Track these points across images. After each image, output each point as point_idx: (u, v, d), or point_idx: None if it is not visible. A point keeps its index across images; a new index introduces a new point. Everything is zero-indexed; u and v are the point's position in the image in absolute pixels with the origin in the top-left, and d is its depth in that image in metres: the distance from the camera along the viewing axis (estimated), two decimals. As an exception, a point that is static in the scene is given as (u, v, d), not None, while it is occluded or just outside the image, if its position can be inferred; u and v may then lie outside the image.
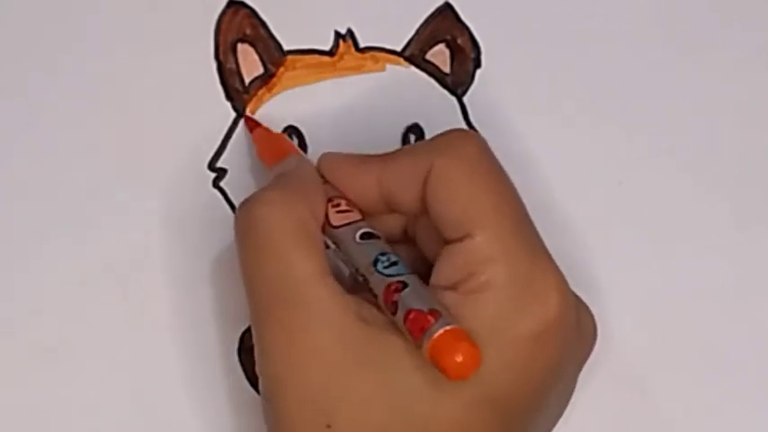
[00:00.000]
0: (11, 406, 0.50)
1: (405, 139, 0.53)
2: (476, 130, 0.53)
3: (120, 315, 0.51)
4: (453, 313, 0.43)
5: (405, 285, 0.44)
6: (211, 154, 0.52)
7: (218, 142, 0.52)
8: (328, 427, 0.44)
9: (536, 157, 0.53)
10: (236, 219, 0.46)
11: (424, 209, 0.46)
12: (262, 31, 0.53)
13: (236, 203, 0.52)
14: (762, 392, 0.53)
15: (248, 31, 0.53)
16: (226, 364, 0.51)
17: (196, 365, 0.51)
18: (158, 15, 0.52)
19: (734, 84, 0.54)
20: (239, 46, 0.53)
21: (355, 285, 0.46)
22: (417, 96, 0.53)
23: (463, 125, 0.53)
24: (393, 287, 0.44)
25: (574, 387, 0.49)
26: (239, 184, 0.52)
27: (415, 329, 0.43)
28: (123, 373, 0.51)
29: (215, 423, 0.51)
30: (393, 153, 0.47)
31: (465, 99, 0.53)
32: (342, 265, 0.47)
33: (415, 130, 0.53)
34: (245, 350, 0.52)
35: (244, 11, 0.53)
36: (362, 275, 0.45)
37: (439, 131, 0.50)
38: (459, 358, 0.41)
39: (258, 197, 0.46)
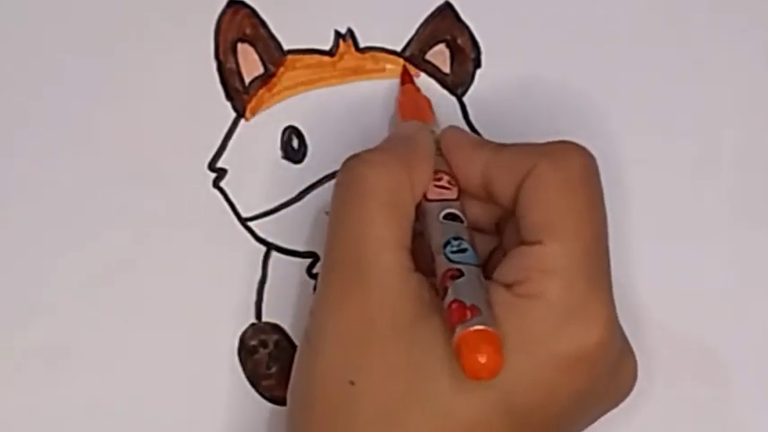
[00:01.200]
0: (11, 406, 0.50)
1: (405, 139, 0.53)
2: (476, 131, 0.53)
3: (119, 315, 0.51)
4: (498, 312, 0.44)
5: (461, 274, 0.44)
6: (211, 154, 0.52)
7: (219, 142, 0.52)
8: (351, 383, 0.45)
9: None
10: (340, 171, 0.47)
11: (514, 207, 0.46)
12: (262, 30, 0.53)
13: (236, 203, 0.52)
14: (762, 392, 0.53)
15: (248, 31, 0.53)
16: (226, 364, 0.51)
17: (196, 365, 0.51)
18: (158, 15, 0.52)
19: (734, 84, 0.54)
20: (239, 46, 0.53)
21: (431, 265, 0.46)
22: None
23: (463, 125, 0.53)
24: (449, 273, 0.44)
25: (591, 424, 0.48)
26: (239, 184, 0.52)
27: (452, 319, 0.43)
28: (123, 373, 0.51)
29: (215, 423, 0.51)
30: (505, 145, 0.48)
31: (465, 99, 0.53)
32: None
33: (415, 129, 0.53)
34: (246, 350, 0.52)
35: (244, 11, 0.53)
36: (432, 254, 0.46)
37: (439, 131, 0.50)
38: (483, 359, 0.42)
39: (364, 156, 0.47)
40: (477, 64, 0.54)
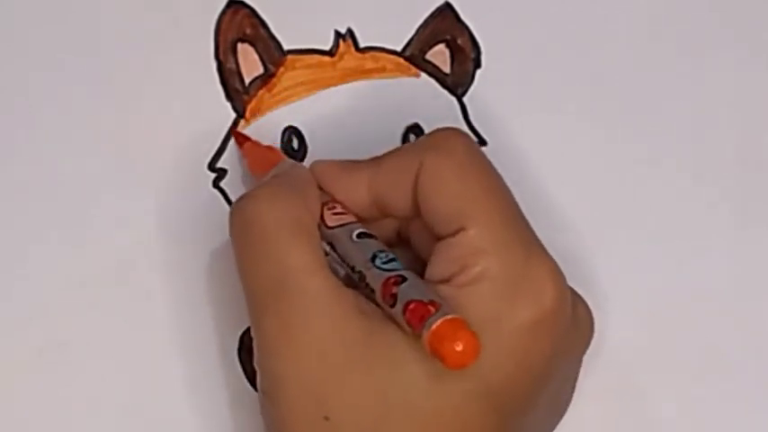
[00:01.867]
0: (11, 405, 0.50)
1: (405, 139, 0.53)
2: (476, 131, 0.53)
3: (119, 315, 0.51)
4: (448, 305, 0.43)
5: (404, 279, 0.44)
6: (211, 154, 0.52)
7: (219, 142, 0.52)
8: (326, 419, 0.44)
9: (536, 157, 0.53)
10: (231, 215, 0.46)
11: (415, 210, 0.46)
12: (262, 30, 0.53)
13: (236, 203, 0.52)
14: (762, 392, 0.53)
15: (248, 31, 0.53)
16: (226, 364, 0.51)
17: (196, 365, 0.51)
18: (158, 15, 0.52)
19: (734, 84, 0.55)
20: (239, 46, 0.53)
21: (350, 286, 0.46)
22: (417, 96, 0.53)
23: (463, 125, 0.53)
24: (392, 280, 0.44)
25: (574, 380, 0.49)
26: (239, 184, 0.52)
27: (414, 319, 0.43)
28: (123, 373, 0.51)
29: (215, 423, 0.51)
30: (381, 156, 0.47)
31: (465, 99, 0.53)
32: (337, 267, 0.47)
33: (415, 130, 0.53)
34: (246, 350, 0.51)
35: (244, 11, 0.53)
36: (359, 272, 0.45)
37: (438, 127, 0.50)
38: (459, 347, 0.41)
39: (253, 193, 0.46)
40: (477, 64, 0.54)
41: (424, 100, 0.53)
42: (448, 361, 0.42)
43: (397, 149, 0.47)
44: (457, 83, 0.54)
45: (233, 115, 0.52)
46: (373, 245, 0.46)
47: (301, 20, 0.53)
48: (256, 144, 0.51)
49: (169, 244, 0.52)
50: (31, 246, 0.51)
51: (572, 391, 0.49)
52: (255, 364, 0.46)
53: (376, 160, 0.47)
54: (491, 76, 0.54)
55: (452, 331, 0.42)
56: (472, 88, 0.54)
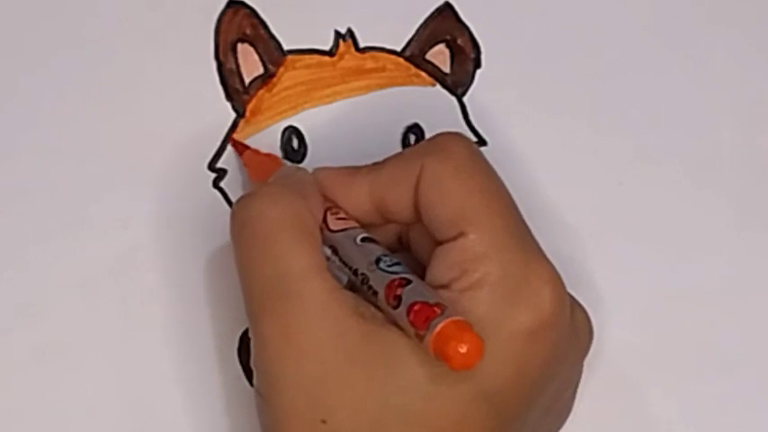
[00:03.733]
0: (11, 406, 0.50)
1: (405, 139, 0.53)
2: (476, 131, 0.53)
3: (119, 315, 0.51)
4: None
5: (409, 282, 0.44)
6: (211, 154, 0.52)
7: (219, 142, 0.52)
8: (323, 422, 0.44)
9: (536, 157, 0.53)
10: (233, 214, 0.46)
11: (416, 215, 0.46)
12: (262, 31, 0.53)
13: (236, 203, 0.52)
14: (761, 392, 0.53)
15: (248, 31, 0.53)
16: (225, 363, 0.51)
17: (195, 365, 0.51)
18: (158, 15, 0.52)
19: (734, 84, 0.55)
20: (239, 46, 0.53)
21: (352, 290, 0.46)
22: (417, 96, 0.53)
23: (463, 125, 0.53)
24: (397, 282, 0.44)
25: (575, 385, 0.49)
26: (239, 184, 0.52)
27: (419, 320, 0.43)
28: (122, 373, 0.51)
29: (214, 423, 0.51)
30: (381, 162, 0.47)
31: (465, 99, 0.53)
32: (338, 273, 0.47)
33: (415, 130, 0.53)
34: (245, 350, 0.51)
35: (244, 11, 0.53)
36: (362, 274, 0.45)
37: (439, 132, 0.50)
38: (464, 348, 0.42)
39: (255, 192, 0.46)
40: (477, 64, 0.54)
41: (423, 100, 0.53)
42: (452, 362, 0.42)
43: (397, 154, 0.47)
44: (457, 83, 0.54)
45: (233, 115, 0.52)
46: (377, 249, 0.46)
47: (301, 20, 0.53)
48: (255, 152, 0.51)
49: (169, 244, 0.52)
50: (30, 246, 0.51)
51: (573, 397, 0.49)
52: (252, 365, 0.46)
53: (376, 166, 0.47)
54: (491, 76, 0.54)
55: (458, 332, 0.42)
56: (472, 88, 0.54)
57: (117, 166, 0.52)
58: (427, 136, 0.53)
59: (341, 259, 0.46)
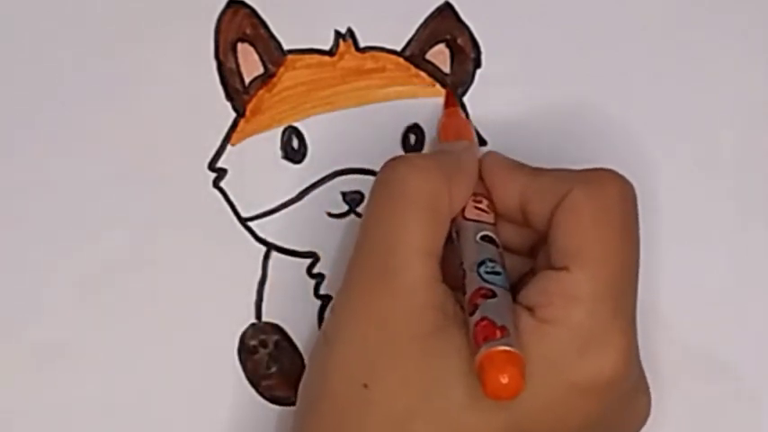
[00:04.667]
0: (11, 406, 0.50)
1: (405, 139, 0.53)
2: (476, 131, 0.53)
3: (119, 315, 0.51)
4: (519, 335, 0.44)
5: (493, 295, 0.44)
6: (211, 154, 0.52)
7: (218, 142, 0.52)
8: (365, 386, 0.44)
9: (536, 157, 0.53)
10: (382, 169, 0.47)
11: (548, 231, 0.46)
12: (262, 30, 0.53)
13: (237, 203, 0.52)
14: (762, 392, 0.53)
15: (248, 31, 0.53)
16: (226, 364, 0.51)
17: (196, 366, 0.51)
18: (158, 15, 0.52)
19: (734, 84, 0.54)
20: (239, 46, 0.53)
21: (457, 280, 0.46)
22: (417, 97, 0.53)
23: (463, 125, 0.53)
24: (482, 291, 0.44)
25: None
26: (239, 184, 0.52)
27: (479, 336, 0.43)
28: (123, 373, 0.51)
29: (215, 423, 0.51)
30: (543, 169, 0.48)
31: (465, 99, 0.53)
32: (455, 256, 0.47)
33: (415, 130, 0.53)
34: (245, 350, 0.52)
35: (244, 11, 0.53)
36: (463, 270, 0.46)
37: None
38: (505, 380, 0.42)
39: (409, 157, 0.47)
40: (477, 64, 0.54)
41: (423, 100, 0.53)
42: (487, 387, 0.42)
43: (559, 169, 0.48)
44: (457, 83, 0.54)
45: (233, 115, 0.52)
46: (489, 251, 0.46)
47: (301, 20, 0.53)
48: (457, 113, 0.52)
49: (169, 244, 0.52)
50: (30, 246, 0.51)
51: None
52: (330, 307, 0.47)
53: (538, 170, 0.48)
54: (491, 76, 0.53)
55: (503, 363, 0.42)
56: (472, 88, 0.54)
57: (117, 166, 0.52)
58: (427, 136, 0.53)
59: (459, 247, 0.47)
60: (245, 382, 0.51)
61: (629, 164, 0.53)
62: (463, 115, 0.52)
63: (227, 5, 0.53)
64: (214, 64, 0.53)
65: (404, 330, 0.45)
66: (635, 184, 0.53)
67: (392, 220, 0.46)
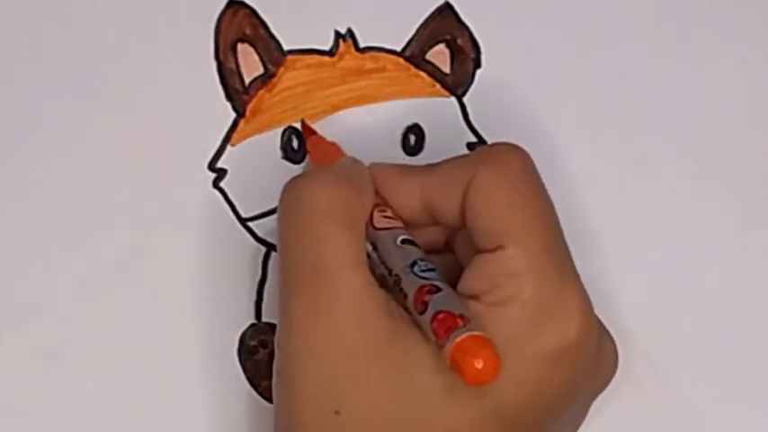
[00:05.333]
0: (11, 406, 0.50)
1: (405, 139, 0.53)
2: (476, 131, 0.53)
3: (119, 315, 0.51)
4: (476, 322, 0.43)
5: (438, 290, 0.44)
6: (211, 154, 0.52)
7: (218, 142, 0.52)
8: (337, 413, 0.44)
9: (536, 157, 0.53)
10: (284, 190, 0.46)
11: (463, 220, 0.46)
12: (262, 31, 0.53)
13: (237, 204, 0.52)
14: (762, 392, 0.53)
15: (248, 31, 0.53)
16: (226, 364, 0.51)
17: (196, 366, 0.51)
18: (158, 15, 0.52)
19: (734, 84, 0.54)
20: (239, 46, 0.53)
21: (384, 288, 0.46)
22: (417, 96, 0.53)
23: (463, 125, 0.53)
24: (426, 288, 0.44)
25: (584, 414, 0.48)
26: (239, 184, 0.52)
27: (441, 329, 0.43)
28: (123, 373, 0.51)
29: (214, 423, 0.51)
30: (436, 163, 0.47)
31: (465, 99, 0.53)
32: (375, 270, 0.47)
33: (415, 130, 0.53)
34: (245, 350, 0.52)
35: (244, 11, 0.53)
36: (396, 275, 0.46)
37: (439, 131, 0.50)
38: (480, 364, 0.41)
39: (309, 174, 0.47)
40: (477, 64, 0.54)
41: (423, 100, 0.53)
42: (466, 376, 0.42)
43: (453, 158, 0.47)
44: (457, 83, 0.54)
45: (233, 115, 0.52)
46: (415, 252, 0.46)
47: (301, 20, 0.53)
48: (321, 139, 0.51)
49: (169, 244, 0.52)
50: (31, 245, 0.51)
51: (581, 421, 0.49)
52: (275, 343, 0.46)
53: (430, 166, 0.47)
54: (491, 76, 0.54)
55: (476, 348, 0.42)
56: (472, 88, 0.54)
57: (117, 166, 0.52)
58: (427, 136, 0.53)
59: (379, 257, 0.47)
60: (245, 382, 0.51)
61: (629, 164, 0.54)
62: (325, 137, 0.52)
63: (227, 5, 0.53)
64: (214, 64, 0.53)
65: (358, 345, 0.44)
66: (634, 184, 0.54)
67: (314, 238, 0.45)
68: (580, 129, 0.54)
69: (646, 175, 0.54)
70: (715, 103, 0.54)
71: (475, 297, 0.45)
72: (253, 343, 0.52)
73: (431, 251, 0.48)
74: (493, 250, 0.45)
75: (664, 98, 0.54)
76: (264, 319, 0.52)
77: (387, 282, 0.46)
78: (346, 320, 0.44)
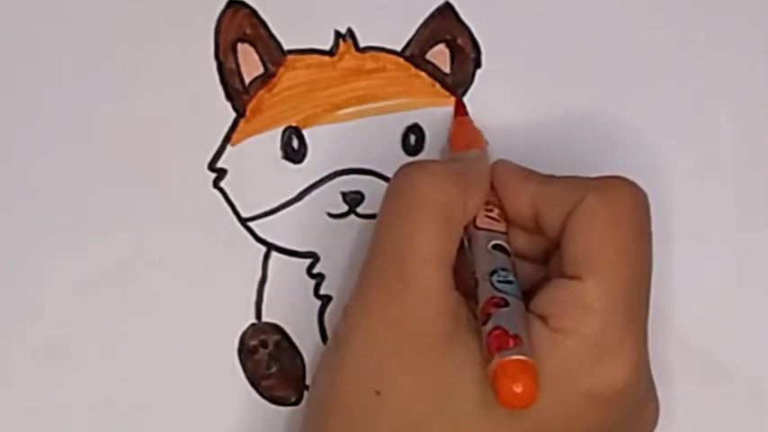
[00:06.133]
0: (11, 406, 0.50)
1: (405, 139, 0.53)
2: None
3: (119, 315, 0.51)
4: (532, 344, 0.44)
5: (506, 304, 0.44)
6: (211, 154, 0.52)
7: (218, 142, 0.52)
8: (378, 393, 0.44)
9: (536, 158, 0.53)
10: (395, 175, 0.47)
11: (561, 239, 0.46)
12: (262, 30, 0.53)
13: (237, 204, 0.52)
14: (762, 392, 0.53)
15: (248, 31, 0.53)
16: (226, 364, 0.51)
17: (196, 366, 0.51)
18: (158, 15, 0.52)
19: (734, 84, 0.54)
20: (239, 46, 0.53)
21: (469, 288, 0.46)
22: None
23: (463, 125, 0.53)
24: (495, 301, 0.44)
25: None
26: (239, 184, 0.52)
27: (492, 345, 0.43)
28: (123, 373, 0.51)
29: (214, 423, 0.51)
30: (555, 176, 0.48)
31: (465, 99, 0.53)
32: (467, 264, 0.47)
33: (415, 130, 0.53)
34: (246, 350, 0.52)
35: (244, 11, 0.53)
36: (475, 279, 0.46)
37: (439, 131, 0.50)
38: (519, 389, 0.42)
39: (423, 164, 0.47)
40: (477, 64, 0.54)
41: (424, 100, 0.53)
42: (500, 396, 0.42)
43: (572, 176, 0.47)
44: (457, 83, 0.54)
45: (233, 115, 0.52)
46: (501, 260, 0.46)
47: (301, 20, 0.53)
48: (466, 122, 0.52)
49: (169, 244, 0.52)
50: (31, 246, 0.51)
51: None
52: (344, 308, 0.46)
53: (549, 178, 0.48)
54: (491, 76, 0.53)
55: (517, 372, 0.42)
56: (472, 88, 0.54)
57: (117, 166, 0.52)
58: (427, 136, 0.53)
59: (470, 256, 0.47)
60: (245, 382, 0.51)
61: (629, 164, 0.53)
62: (474, 124, 0.52)
63: (227, 5, 0.53)
64: (214, 64, 0.53)
65: (417, 338, 0.44)
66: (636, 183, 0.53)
67: (407, 228, 0.45)
68: (579, 129, 0.54)
69: (645, 175, 0.54)
70: (715, 103, 0.54)
71: (542, 318, 0.45)
72: (253, 343, 0.52)
73: (527, 258, 0.48)
74: (572, 278, 0.45)
75: (664, 98, 0.54)
76: (264, 319, 0.52)
77: (470, 282, 0.46)
78: (411, 314, 0.45)
